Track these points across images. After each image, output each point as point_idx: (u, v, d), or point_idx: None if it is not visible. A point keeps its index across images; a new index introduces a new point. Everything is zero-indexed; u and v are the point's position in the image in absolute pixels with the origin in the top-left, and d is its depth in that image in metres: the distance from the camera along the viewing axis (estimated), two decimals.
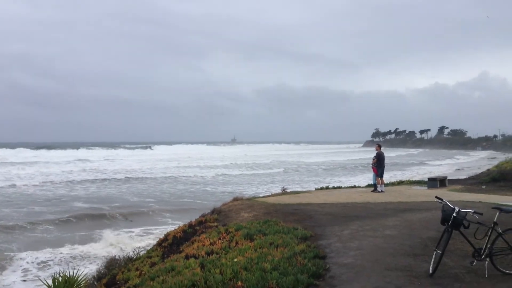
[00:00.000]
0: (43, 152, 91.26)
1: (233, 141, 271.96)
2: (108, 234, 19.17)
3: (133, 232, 19.87)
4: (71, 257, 15.94)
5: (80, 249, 17.11)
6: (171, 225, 20.76)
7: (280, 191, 20.97)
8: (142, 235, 19.30)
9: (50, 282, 6.57)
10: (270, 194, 20.57)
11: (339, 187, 23.75)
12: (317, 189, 22.08)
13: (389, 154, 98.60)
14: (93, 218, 22.36)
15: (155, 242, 15.15)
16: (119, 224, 21.55)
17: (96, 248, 17.14)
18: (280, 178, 44.85)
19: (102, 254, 16.00)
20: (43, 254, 16.17)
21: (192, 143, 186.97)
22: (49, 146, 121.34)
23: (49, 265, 15.07)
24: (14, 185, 35.49)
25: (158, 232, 19.46)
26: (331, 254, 7.81)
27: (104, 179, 42.13)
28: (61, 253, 16.37)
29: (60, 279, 6.55)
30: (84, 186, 36.87)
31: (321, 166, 63.29)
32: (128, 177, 43.98)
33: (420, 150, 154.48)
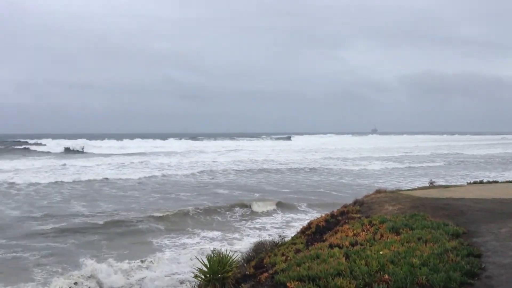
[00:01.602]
0: (192, 142, 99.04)
1: (374, 132, 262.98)
2: (251, 220, 20.26)
3: (274, 219, 20.69)
4: (218, 239, 17.22)
5: (226, 229, 18.42)
6: (305, 214, 21.21)
7: (426, 185, 19.89)
8: (280, 223, 20.00)
9: (205, 260, 7.14)
10: (416, 187, 19.64)
11: (495, 182, 21.64)
12: (469, 183, 20.39)
13: None
14: (232, 205, 23.42)
15: (294, 229, 15.57)
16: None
17: (238, 234, 18.23)
18: (422, 172, 42.44)
19: (243, 240, 16.97)
20: (193, 236, 17.71)
21: (330, 133, 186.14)
22: (197, 136, 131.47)
23: (200, 244, 16.48)
24: (164, 174, 39.01)
25: (297, 220, 20.00)
26: (487, 253, 7.22)
27: (245, 168, 44.27)
28: (205, 236, 17.76)
29: (214, 258, 7.07)
30: (225, 174, 39.23)
31: (474, 160, 58.15)
32: (265, 167, 45.59)
33: None
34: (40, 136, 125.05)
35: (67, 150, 73.39)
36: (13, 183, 31.78)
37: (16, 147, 77.08)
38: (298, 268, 6.61)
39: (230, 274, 7.04)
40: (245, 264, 8.94)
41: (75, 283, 11.79)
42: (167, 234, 18.04)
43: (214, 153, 68.11)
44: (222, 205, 23.30)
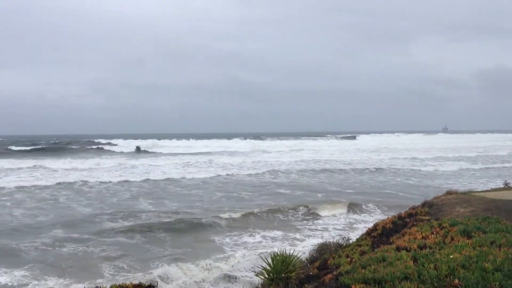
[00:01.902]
0: (255, 142, 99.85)
1: (445, 130, 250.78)
2: (313, 221, 20.06)
3: (336, 220, 20.35)
4: (279, 239, 17.28)
5: (287, 229, 18.45)
6: (370, 216, 20.70)
7: (501, 186, 18.72)
8: (343, 224, 19.64)
9: (269, 259, 7.17)
10: (489, 189, 18.58)
11: None
12: None
13: None
14: (296, 205, 23.27)
15: (357, 232, 15.21)
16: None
17: (300, 234, 18.08)
18: (495, 172, 40.03)
19: (305, 241, 16.83)
20: (254, 235, 17.89)
21: (398, 132, 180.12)
22: (261, 136, 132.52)
23: (262, 244, 16.57)
24: (228, 173, 39.58)
25: (360, 222, 19.58)
26: None
27: (308, 168, 43.97)
28: (266, 235, 17.85)
29: (278, 258, 7.06)
30: (287, 174, 39.25)
31: None
32: (328, 167, 45.04)
33: None
34: (112, 136, 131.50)
35: (138, 149, 76.65)
36: (86, 181, 33.61)
37: (90, 147, 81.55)
38: (363, 271, 6.48)
39: (293, 274, 6.99)
40: (308, 265, 8.87)
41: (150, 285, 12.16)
42: (228, 232, 18.36)
43: (277, 153, 68.41)
44: (283, 205, 23.26)
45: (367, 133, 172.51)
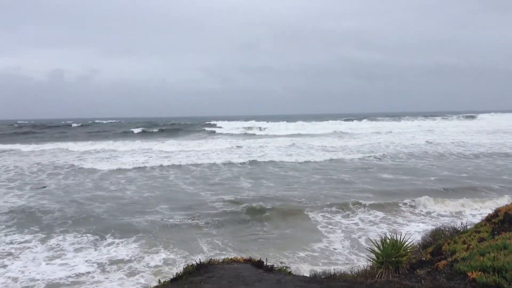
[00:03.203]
0: (369, 122, 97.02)
1: None
2: (425, 203, 18.88)
3: (444, 206, 18.93)
4: (377, 222, 16.76)
5: (387, 212, 18.00)
6: (482, 202, 19.11)
7: None
8: (450, 210, 18.41)
9: (379, 243, 7.16)
10: None
11: None
12: None
13: None
14: (395, 190, 22.18)
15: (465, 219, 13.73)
16: (435, 194, 20.83)
17: (402, 218, 17.28)
18: None
19: (408, 226, 16.03)
20: (351, 216, 17.58)
21: None
22: (375, 116, 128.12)
23: (359, 225, 16.41)
24: (332, 156, 38.96)
25: (470, 209, 18.41)
26: None
27: (419, 151, 41.72)
28: (363, 217, 17.37)
29: (388, 241, 7.01)
30: (394, 155, 37.82)
31: None
32: (440, 150, 42.36)
33: None
34: (224, 118, 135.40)
35: (245, 131, 78.87)
36: (193, 162, 35.24)
37: (202, 128, 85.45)
38: (481, 258, 6.14)
39: (404, 258, 6.86)
40: (421, 250, 8.63)
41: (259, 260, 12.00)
42: (326, 208, 18.35)
43: (386, 134, 66.14)
44: (384, 190, 22.34)
45: (491, 112, 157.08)
